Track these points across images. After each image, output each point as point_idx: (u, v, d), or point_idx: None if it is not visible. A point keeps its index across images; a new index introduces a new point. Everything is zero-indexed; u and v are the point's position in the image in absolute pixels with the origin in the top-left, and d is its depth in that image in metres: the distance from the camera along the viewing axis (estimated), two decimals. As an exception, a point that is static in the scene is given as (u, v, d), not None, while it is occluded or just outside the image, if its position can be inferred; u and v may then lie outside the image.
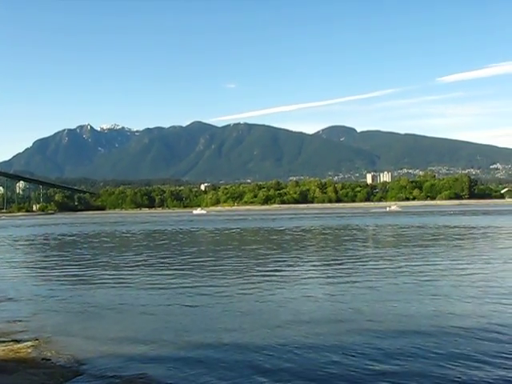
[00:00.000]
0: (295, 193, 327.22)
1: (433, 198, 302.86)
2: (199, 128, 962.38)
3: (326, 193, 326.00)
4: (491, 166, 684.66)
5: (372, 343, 14.61)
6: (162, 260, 37.66)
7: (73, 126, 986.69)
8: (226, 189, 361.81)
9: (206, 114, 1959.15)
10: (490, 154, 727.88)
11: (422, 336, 15.16)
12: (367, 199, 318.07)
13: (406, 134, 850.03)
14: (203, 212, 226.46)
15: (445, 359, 13.13)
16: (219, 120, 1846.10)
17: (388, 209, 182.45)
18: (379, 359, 13.30)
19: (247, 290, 23.31)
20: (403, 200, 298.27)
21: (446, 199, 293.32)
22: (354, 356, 13.58)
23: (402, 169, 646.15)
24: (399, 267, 29.77)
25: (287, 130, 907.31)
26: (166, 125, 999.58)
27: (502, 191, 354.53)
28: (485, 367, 12.55)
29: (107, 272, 31.53)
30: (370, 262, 32.75)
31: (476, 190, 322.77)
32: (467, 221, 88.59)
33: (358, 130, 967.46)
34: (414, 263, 31.60)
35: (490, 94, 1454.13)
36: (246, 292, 22.73)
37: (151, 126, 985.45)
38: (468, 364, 12.77)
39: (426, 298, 20.50)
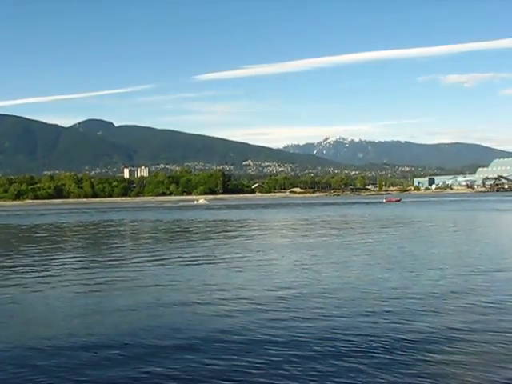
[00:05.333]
0: (50, 187, 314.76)
1: (189, 193, 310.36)
2: None
3: (82, 187, 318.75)
4: (243, 163, 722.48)
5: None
6: None
7: None
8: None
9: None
10: (242, 151, 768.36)
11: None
12: (124, 194, 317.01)
13: (163, 130, 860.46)
14: None
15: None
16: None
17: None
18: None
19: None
20: (160, 195, 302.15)
21: (201, 194, 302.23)
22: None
23: (159, 164, 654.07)
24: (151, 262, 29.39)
25: (41, 122, 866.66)
26: None
27: (253, 186, 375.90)
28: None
29: None
30: (132, 260, 31.95)
31: (230, 185, 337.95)
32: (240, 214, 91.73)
33: (116, 124, 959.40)
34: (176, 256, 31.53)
35: (241, 95, 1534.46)
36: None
37: None
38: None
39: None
